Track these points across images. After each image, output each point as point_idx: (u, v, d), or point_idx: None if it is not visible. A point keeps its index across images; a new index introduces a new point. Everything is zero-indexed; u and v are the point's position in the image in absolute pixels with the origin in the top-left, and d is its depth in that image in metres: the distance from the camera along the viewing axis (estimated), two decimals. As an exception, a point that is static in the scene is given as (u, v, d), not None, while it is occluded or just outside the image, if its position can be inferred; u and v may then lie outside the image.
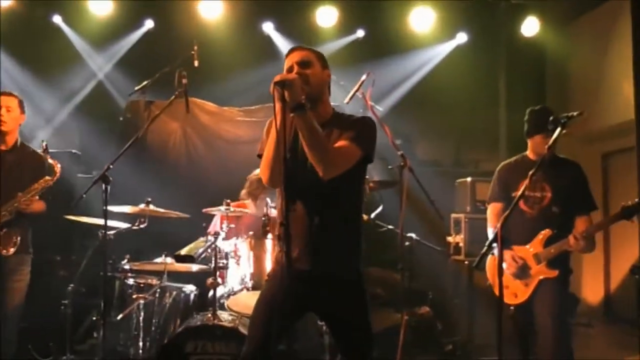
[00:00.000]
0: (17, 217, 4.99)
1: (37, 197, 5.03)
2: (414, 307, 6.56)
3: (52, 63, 7.72)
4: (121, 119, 7.48)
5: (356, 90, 5.69)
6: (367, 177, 5.99)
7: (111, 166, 4.67)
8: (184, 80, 5.16)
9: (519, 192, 4.41)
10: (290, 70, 3.46)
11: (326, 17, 8.11)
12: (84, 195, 4.71)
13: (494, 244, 4.07)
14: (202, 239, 4.94)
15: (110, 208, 5.19)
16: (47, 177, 5.06)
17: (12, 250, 4.94)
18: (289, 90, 3.18)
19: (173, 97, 5.18)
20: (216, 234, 4.88)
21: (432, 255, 6.61)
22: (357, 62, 8.03)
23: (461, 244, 6.76)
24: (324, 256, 3.41)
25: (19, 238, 4.98)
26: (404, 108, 8.25)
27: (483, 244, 4.00)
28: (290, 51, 3.55)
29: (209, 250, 4.88)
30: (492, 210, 5.24)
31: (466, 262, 6.76)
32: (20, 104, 5.24)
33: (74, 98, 7.81)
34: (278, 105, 3.18)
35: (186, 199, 6.26)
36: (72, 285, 5.59)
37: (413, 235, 5.95)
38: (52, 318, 5.71)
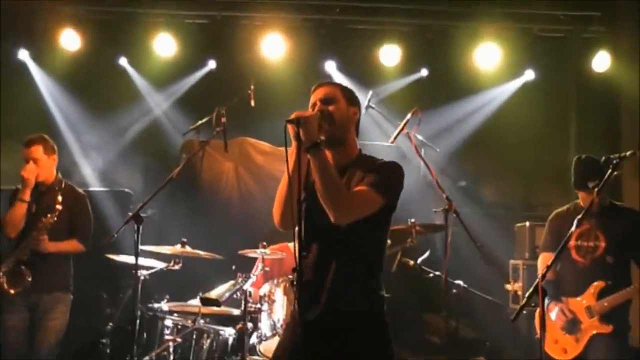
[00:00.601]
0: (35, 257, 5.02)
1: (45, 237, 5.03)
2: (469, 357, 6.23)
3: (113, 103, 7.90)
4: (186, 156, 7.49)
5: (401, 130, 5.50)
6: (413, 220, 5.78)
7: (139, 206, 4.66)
8: (223, 119, 5.12)
9: (571, 242, 4.21)
10: (313, 107, 3.30)
11: (389, 56, 7.96)
12: (116, 235, 4.70)
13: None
14: (232, 281, 4.81)
15: (149, 248, 5.23)
16: (49, 215, 5.02)
17: (15, 290, 4.96)
18: (304, 128, 3.02)
19: (211, 136, 5.16)
20: (246, 277, 4.76)
21: (490, 303, 6.25)
22: (421, 101, 7.79)
23: (520, 292, 6.38)
24: (337, 303, 3.19)
25: (29, 279, 4.99)
26: (470, 148, 7.97)
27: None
28: (316, 87, 3.38)
29: (239, 294, 4.76)
30: (543, 260, 4.95)
31: (524, 312, 6.32)
32: (46, 149, 5.25)
33: (130, 137, 7.93)
34: (293, 144, 3.06)
35: (237, 239, 6.20)
36: (110, 324, 5.59)
37: (460, 282, 5.63)
38: (94, 356, 5.73)
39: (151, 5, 7.96)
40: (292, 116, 3.05)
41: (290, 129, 3.06)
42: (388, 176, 3.23)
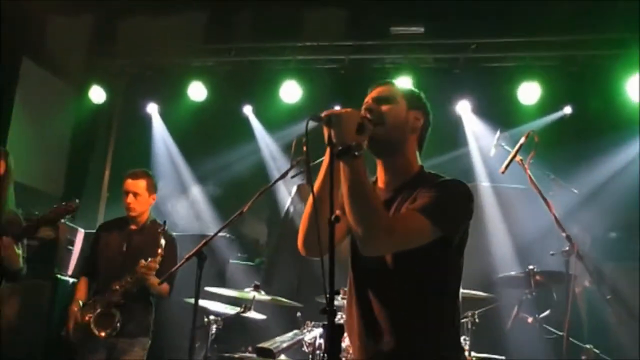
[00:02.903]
0: (133, 300, 4.81)
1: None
2: None
3: (235, 151, 7.83)
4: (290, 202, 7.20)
5: (513, 156, 4.74)
6: (532, 267, 4.96)
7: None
8: (304, 148, 4.67)
9: None
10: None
11: (528, 93, 7.24)
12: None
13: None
14: (296, 331, 4.29)
15: (218, 290, 4.99)
16: (152, 260, 4.71)
17: (104, 333, 4.71)
18: (336, 128, 2.36)
19: (288, 169, 4.73)
20: (313, 327, 4.24)
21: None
22: (565, 142, 7.01)
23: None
24: None
25: (119, 324, 4.75)
26: (622, 194, 6.85)
27: None
28: (373, 88, 2.73)
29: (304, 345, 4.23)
30: None
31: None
32: (149, 185, 5.10)
33: (240, 183, 7.68)
34: (327, 151, 2.40)
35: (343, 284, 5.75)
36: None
37: (589, 346, 4.67)
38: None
39: (278, 53, 7.90)
40: (324, 114, 2.40)
41: (324, 130, 2.40)
42: (445, 198, 2.46)
